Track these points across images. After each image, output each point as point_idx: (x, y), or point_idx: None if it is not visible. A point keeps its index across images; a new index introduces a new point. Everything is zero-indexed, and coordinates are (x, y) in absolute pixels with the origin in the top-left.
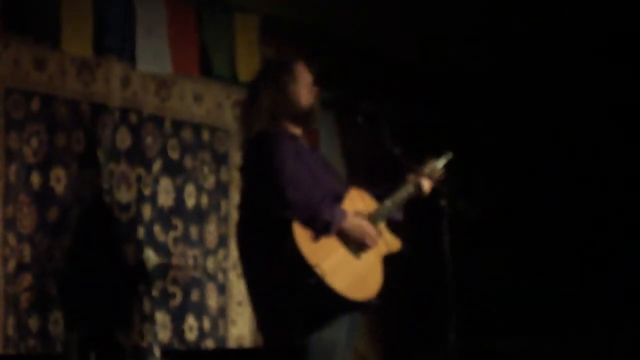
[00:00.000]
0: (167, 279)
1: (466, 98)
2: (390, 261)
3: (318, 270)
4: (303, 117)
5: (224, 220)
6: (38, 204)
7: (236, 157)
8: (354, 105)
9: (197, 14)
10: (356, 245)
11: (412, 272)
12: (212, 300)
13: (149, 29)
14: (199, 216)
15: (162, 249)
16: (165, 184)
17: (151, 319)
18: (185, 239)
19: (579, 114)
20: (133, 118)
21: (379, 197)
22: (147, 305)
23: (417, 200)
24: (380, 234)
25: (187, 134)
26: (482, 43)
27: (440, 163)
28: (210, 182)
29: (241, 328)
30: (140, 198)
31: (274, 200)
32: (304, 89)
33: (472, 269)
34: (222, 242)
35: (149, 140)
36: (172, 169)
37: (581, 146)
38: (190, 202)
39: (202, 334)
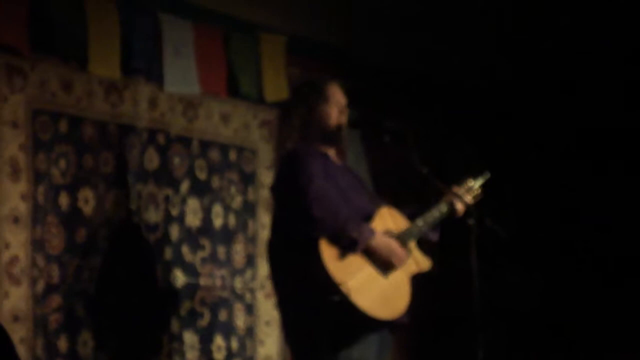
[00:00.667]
0: (195, 299)
1: (498, 116)
2: (418, 280)
3: (343, 288)
4: (333, 137)
5: (251, 240)
6: (66, 225)
7: (263, 177)
8: (380, 125)
9: (224, 35)
10: (383, 264)
11: (441, 291)
12: (240, 320)
13: (177, 50)
14: (226, 236)
15: (189, 269)
16: (192, 204)
17: (179, 339)
18: (212, 259)
19: (613, 132)
20: (161, 139)
21: (412, 216)
22: (175, 326)
23: (449, 220)
24: (410, 253)
25: (214, 154)
26: (511, 61)
27: (478, 183)
28: (237, 202)
29: (269, 348)
30: (168, 218)
31: (300, 218)
32: (335, 109)
33: (500, 289)
34: (250, 262)
35: (176, 160)
36: (200, 189)
37: (613, 166)
38: (217, 222)
39: (230, 354)
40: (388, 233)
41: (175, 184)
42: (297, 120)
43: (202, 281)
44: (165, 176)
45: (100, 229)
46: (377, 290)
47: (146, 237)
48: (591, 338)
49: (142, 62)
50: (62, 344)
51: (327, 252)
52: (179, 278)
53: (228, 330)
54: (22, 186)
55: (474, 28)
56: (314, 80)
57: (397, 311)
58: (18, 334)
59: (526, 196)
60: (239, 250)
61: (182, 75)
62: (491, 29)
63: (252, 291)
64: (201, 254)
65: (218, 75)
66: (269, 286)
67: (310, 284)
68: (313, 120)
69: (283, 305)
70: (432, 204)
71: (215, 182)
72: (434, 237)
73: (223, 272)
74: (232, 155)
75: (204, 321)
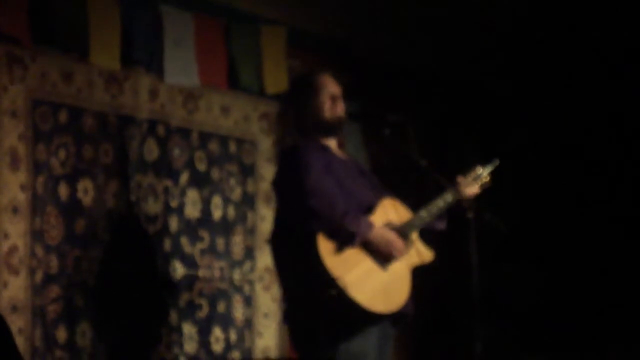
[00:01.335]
0: (194, 291)
1: (497, 110)
2: (418, 273)
3: (340, 283)
4: (329, 128)
5: (250, 232)
6: (65, 216)
7: (263, 169)
8: (380, 118)
9: (225, 27)
10: (382, 257)
11: (440, 284)
12: (239, 312)
13: (177, 42)
14: (225, 228)
15: (188, 261)
16: (192, 195)
17: (178, 331)
18: (211, 250)
19: (614, 129)
20: (160, 130)
21: (416, 207)
22: (173, 317)
23: (449, 213)
24: (411, 244)
25: (214, 146)
26: (511, 56)
27: (487, 170)
28: (237, 193)
29: (267, 340)
30: (167, 210)
31: (298, 212)
32: (327, 101)
33: (499, 282)
34: (249, 253)
35: (176, 152)
36: (199, 180)
37: (613, 162)
38: (217, 213)
39: (228, 346)
40: (389, 225)
41: (174, 176)
42: (292, 114)
43: (201, 273)
44: (164, 167)
45: (100, 220)
46: (375, 283)
47: (145, 228)
48: (590, 332)
49: (143, 53)
50: (61, 334)
51: (325, 246)
52: (178, 269)
53: (226, 321)
54: (22, 176)
55: (472, 22)
56: (306, 72)
57: (396, 304)
58: (16, 324)
59: (526, 190)
60: (237, 242)
61: (182, 66)
62: (491, 24)
63: (250, 283)
64: (200, 246)
65: (218, 67)
66: (267, 278)
67: (309, 278)
68: (306, 113)
69: (285, 298)
70: (434, 196)
71: (215, 173)
72: (441, 226)
73: (222, 263)
74: (232, 147)
75: (203, 313)
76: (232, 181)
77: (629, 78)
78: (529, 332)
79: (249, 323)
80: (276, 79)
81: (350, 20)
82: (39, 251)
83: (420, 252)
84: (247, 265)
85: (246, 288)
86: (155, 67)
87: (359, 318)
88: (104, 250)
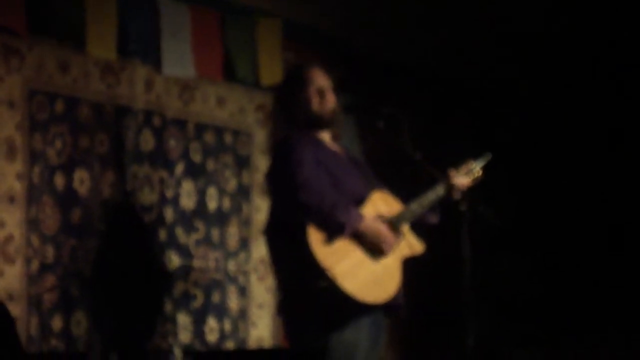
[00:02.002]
0: (189, 281)
1: (490, 104)
2: (409, 264)
3: (329, 274)
4: (318, 123)
5: (245, 223)
6: (61, 205)
7: (258, 161)
8: (374, 110)
9: (221, 19)
10: (373, 248)
11: (432, 276)
12: (233, 302)
13: (173, 33)
14: (220, 219)
15: (183, 251)
16: (187, 186)
17: (172, 320)
18: (206, 241)
19: (605, 121)
20: (156, 121)
21: (407, 200)
22: (168, 307)
23: (443, 205)
24: (402, 236)
25: (209, 137)
26: (504, 49)
27: (478, 164)
28: (232, 185)
29: (261, 330)
30: (163, 200)
31: (288, 204)
32: (315, 95)
33: (492, 275)
34: (244, 244)
35: (171, 143)
36: (195, 171)
37: (605, 153)
38: (212, 204)
39: (222, 336)
40: (380, 217)
41: (170, 166)
42: (286, 109)
43: (196, 263)
44: (160, 158)
45: (96, 210)
46: (366, 274)
47: (141, 218)
48: (584, 325)
49: (139, 44)
50: (56, 323)
51: (315, 238)
52: (173, 260)
53: (221, 312)
54: (18, 166)
55: (467, 17)
56: (295, 66)
57: (386, 295)
58: (12, 313)
59: (519, 183)
60: (232, 233)
61: (178, 58)
62: (486, 19)
63: (245, 274)
64: (195, 236)
65: (214, 59)
66: (262, 269)
67: (300, 269)
68: (295, 107)
69: (278, 289)
70: (427, 188)
71: (210, 165)
72: (433, 219)
73: (217, 254)
74: (228, 139)
75: (197, 303)
76: (228, 172)
77: (624, 69)
78: (522, 325)
79: (243, 313)
80: (271, 71)
81: (345, 14)
82: (35, 241)
83: (411, 244)
84: (242, 256)
85: (241, 279)
86: (152, 58)
87: (351, 308)
88: (100, 240)
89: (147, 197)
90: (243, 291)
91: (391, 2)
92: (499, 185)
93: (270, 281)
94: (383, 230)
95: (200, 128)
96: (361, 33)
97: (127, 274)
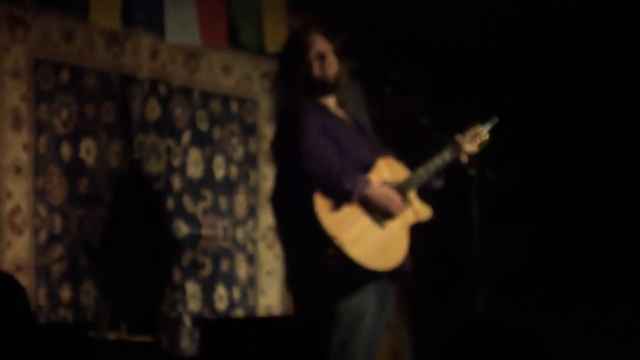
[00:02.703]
0: (197, 250)
1: (499, 71)
2: (419, 229)
3: (336, 242)
4: (320, 88)
5: (253, 191)
6: (68, 175)
7: (264, 128)
8: (381, 76)
9: None
10: (380, 213)
11: (441, 242)
12: (242, 271)
13: (177, 1)
14: (228, 187)
15: (191, 220)
16: (194, 155)
17: (181, 289)
18: (214, 209)
19: (614, 90)
20: (162, 89)
21: (414, 166)
22: (177, 276)
23: (451, 170)
24: (409, 202)
25: (215, 105)
26: (510, 10)
27: (486, 128)
28: (239, 153)
29: (270, 298)
30: (170, 169)
31: (294, 173)
32: (315, 60)
33: (501, 241)
34: (252, 212)
35: (178, 111)
36: (201, 140)
37: (615, 123)
38: (219, 173)
39: (232, 304)
40: (386, 184)
41: (176, 135)
42: (290, 74)
43: (204, 231)
44: (166, 127)
45: (103, 179)
46: (373, 241)
47: (148, 187)
48: (591, 291)
49: (143, 12)
50: (65, 293)
51: (322, 206)
52: (181, 228)
53: (230, 280)
54: (24, 136)
55: None
56: (294, 32)
57: (394, 261)
58: (20, 283)
59: (529, 148)
60: (240, 201)
61: (183, 25)
62: None
63: (253, 242)
64: (203, 205)
65: (219, 26)
66: (270, 237)
67: (307, 237)
68: (296, 73)
69: (286, 257)
70: (434, 153)
71: (217, 133)
72: (438, 184)
73: (225, 222)
74: (234, 107)
75: (206, 271)
76: (234, 141)
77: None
78: (531, 290)
79: (252, 281)
80: (277, 38)
81: None
82: (42, 211)
83: (418, 210)
84: (250, 224)
85: (249, 247)
86: (156, 26)
87: (358, 275)
88: (107, 210)
89: (154, 166)
90: (251, 259)
91: None
92: (507, 150)
93: (278, 249)
94: (390, 193)
95: (206, 96)
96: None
97: (135, 243)
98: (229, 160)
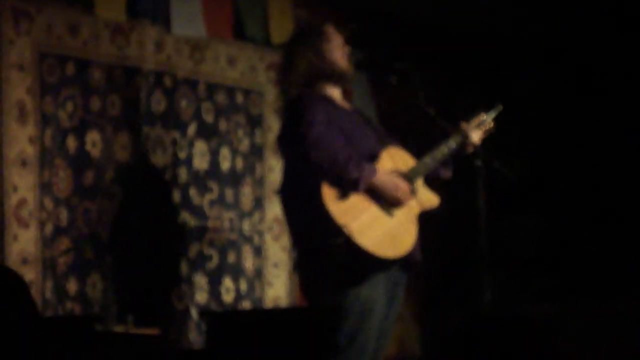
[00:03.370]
0: (204, 242)
1: (507, 61)
2: (425, 219)
3: (346, 231)
4: (340, 78)
5: (259, 182)
6: (74, 168)
7: (270, 120)
8: (387, 66)
9: None
10: (389, 201)
11: (448, 231)
12: (249, 262)
13: None
14: (234, 179)
15: (198, 212)
16: (200, 147)
17: (188, 281)
18: (220, 201)
19: (621, 81)
20: (167, 81)
21: (420, 155)
22: (184, 268)
23: (458, 160)
24: (417, 190)
25: (221, 97)
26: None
27: (490, 116)
28: (244, 144)
29: (277, 289)
30: (176, 161)
31: (301, 164)
32: (338, 49)
33: (508, 230)
34: (258, 204)
35: (183, 103)
36: (207, 132)
37: (623, 113)
38: (225, 165)
39: (238, 296)
40: (394, 172)
41: (182, 127)
42: (303, 64)
43: (211, 223)
44: (172, 119)
45: (109, 172)
46: (382, 229)
47: (154, 179)
48: (598, 280)
49: (148, 4)
50: (71, 286)
51: (330, 196)
52: (188, 220)
53: (237, 272)
54: (30, 129)
55: None
56: (311, 22)
57: (403, 250)
58: (27, 276)
59: (535, 138)
60: (246, 193)
61: (188, 17)
62: None
63: (260, 233)
64: (209, 197)
65: (224, 17)
66: (276, 228)
67: (316, 227)
68: (320, 62)
69: (295, 248)
70: (441, 142)
71: (223, 125)
72: (447, 173)
73: (231, 214)
74: (239, 98)
75: (213, 263)
76: (240, 132)
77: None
78: (538, 280)
79: (259, 273)
80: (282, 29)
81: None
82: (49, 204)
83: (425, 198)
84: (256, 216)
85: (256, 238)
86: (161, 18)
87: (367, 264)
88: (113, 203)
89: (160, 158)
90: (258, 251)
91: None
92: (514, 140)
93: (285, 240)
94: (398, 181)
95: (212, 88)
96: None
97: (142, 236)
98: (234, 152)
